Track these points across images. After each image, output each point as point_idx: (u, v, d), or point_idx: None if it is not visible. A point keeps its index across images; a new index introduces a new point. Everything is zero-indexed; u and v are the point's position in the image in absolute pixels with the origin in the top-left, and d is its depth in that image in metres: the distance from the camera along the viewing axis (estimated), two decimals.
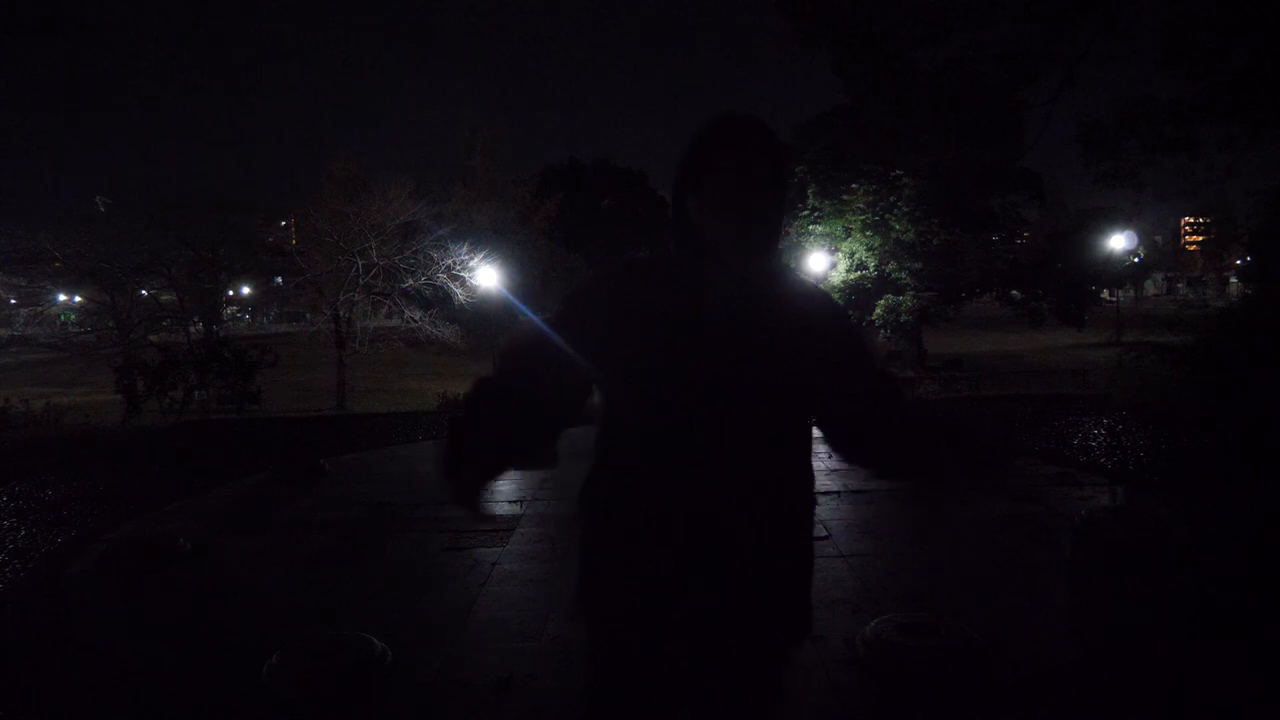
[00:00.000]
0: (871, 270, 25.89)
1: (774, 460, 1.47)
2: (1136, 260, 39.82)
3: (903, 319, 25.83)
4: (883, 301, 25.67)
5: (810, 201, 26.23)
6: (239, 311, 51.19)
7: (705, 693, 1.49)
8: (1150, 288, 73.10)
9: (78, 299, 27.82)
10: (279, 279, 40.59)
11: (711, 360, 1.41)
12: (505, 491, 6.13)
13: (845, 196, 25.03)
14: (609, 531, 1.50)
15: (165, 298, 28.08)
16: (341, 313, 25.21)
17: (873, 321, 26.55)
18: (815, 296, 1.58)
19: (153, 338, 25.41)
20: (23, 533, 5.64)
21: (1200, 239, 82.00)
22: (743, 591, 1.44)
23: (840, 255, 26.38)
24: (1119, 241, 31.47)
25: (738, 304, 1.45)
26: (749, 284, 1.47)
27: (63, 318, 32.43)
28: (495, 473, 1.59)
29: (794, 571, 1.51)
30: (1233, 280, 51.19)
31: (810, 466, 1.56)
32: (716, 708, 1.50)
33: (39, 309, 27.27)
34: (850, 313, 1.66)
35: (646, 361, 1.44)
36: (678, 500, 1.42)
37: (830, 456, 7.28)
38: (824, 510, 5.50)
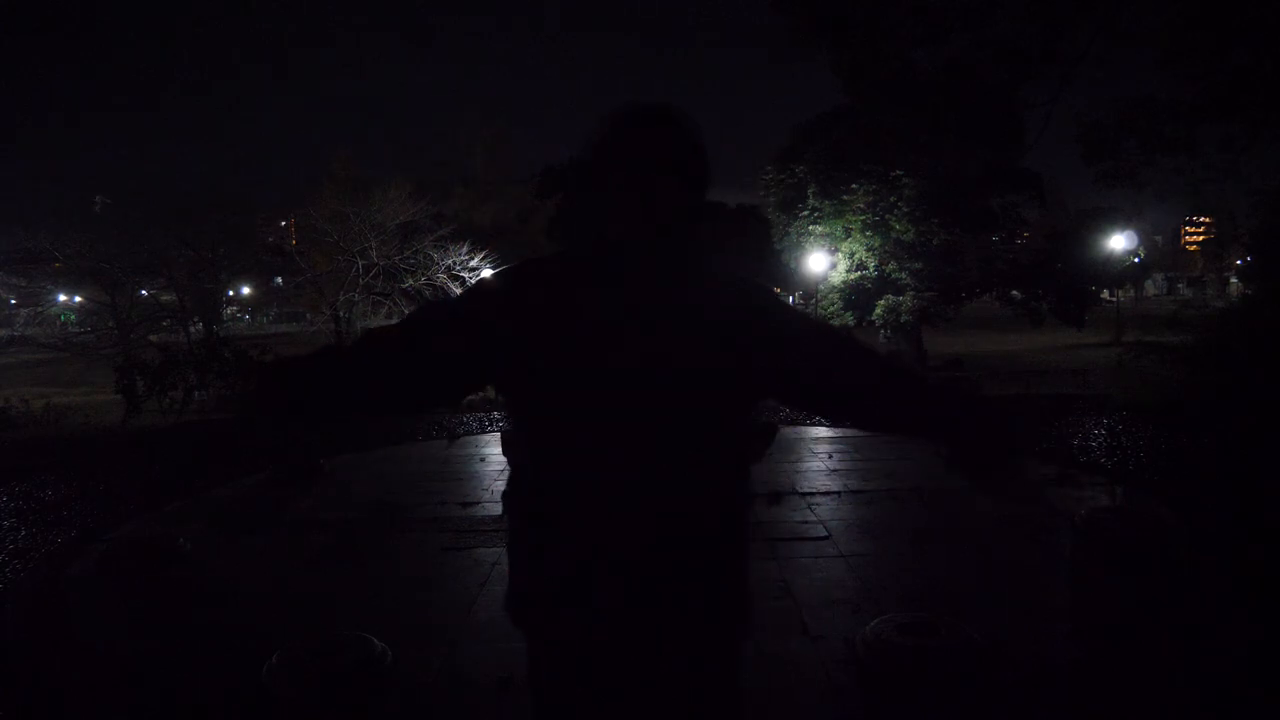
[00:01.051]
0: (871, 270, 25.87)
1: (697, 458, 1.42)
2: (1136, 260, 39.78)
3: (903, 319, 25.81)
4: (883, 301, 25.65)
5: (810, 201, 26.20)
6: (239, 311, 51.14)
7: (654, 694, 1.46)
8: (1150, 288, 73.03)
9: (78, 299, 27.80)
10: (279, 279, 40.57)
11: (625, 359, 1.37)
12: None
13: (845, 196, 25.00)
14: (538, 537, 1.47)
15: (165, 298, 28.05)
16: (341, 313, 25.19)
17: (873, 321, 26.53)
18: (732, 290, 1.51)
19: (153, 338, 25.39)
20: (23, 533, 5.64)
21: (1200, 238, 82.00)
22: (676, 590, 1.41)
23: (840, 255, 26.37)
24: (1119, 241, 31.45)
25: (645, 301, 1.41)
26: (657, 279, 1.43)
27: (63, 318, 32.41)
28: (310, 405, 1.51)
29: (727, 567, 1.48)
30: (1233, 280, 51.15)
31: (740, 461, 1.51)
32: (668, 708, 1.47)
33: (39, 309, 27.26)
34: (783, 296, 1.58)
35: (559, 364, 1.39)
36: (606, 501, 1.39)
37: (830, 457, 7.30)
38: (824, 510, 5.50)
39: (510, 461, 1.53)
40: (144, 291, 27.59)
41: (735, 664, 1.55)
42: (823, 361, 1.52)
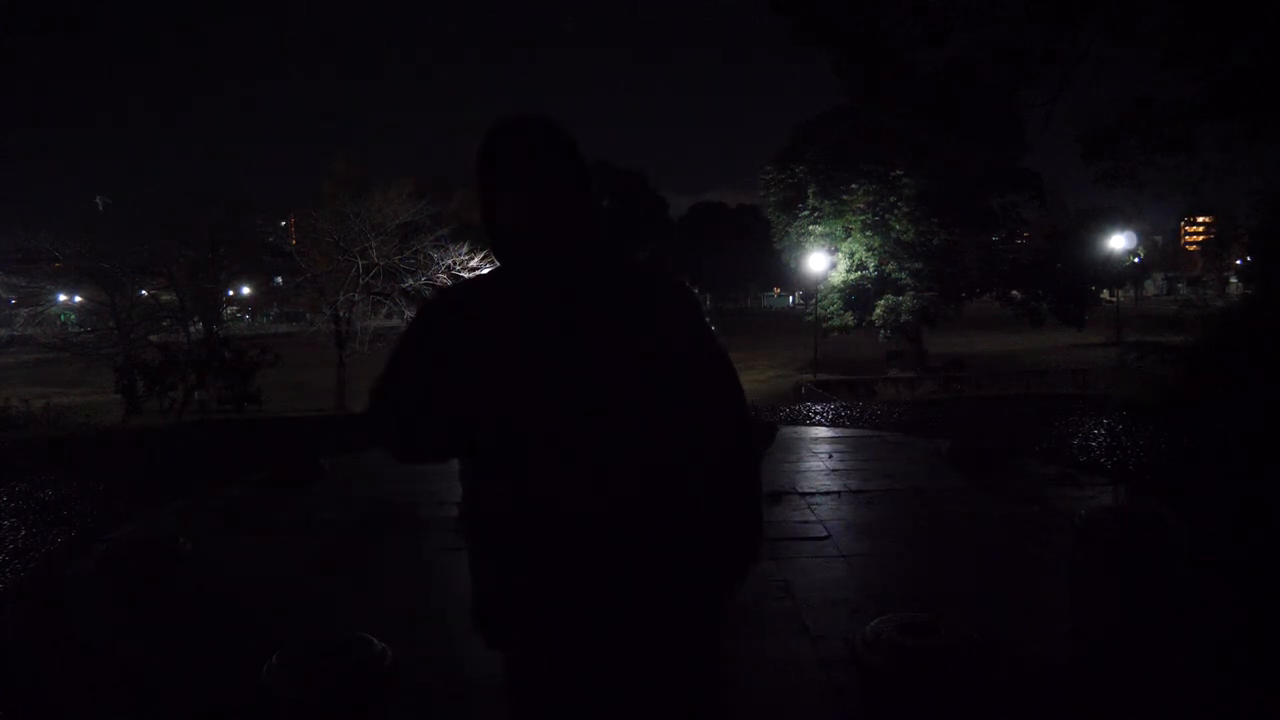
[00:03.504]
0: (871, 270, 25.90)
1: (657, 453, 1.43)
2: (1136, 260, 39.83)
3: (903, 319, 25.84)
4: (883, 301, 25.67)
5: (810, 201, 26.23)
6: (239, 311, 51.13)
7: (632, 693, 1.46)
8: (1150, 288, 73.09)
9: (78, 299, 27.78)
10: (279, 279, 40.58)
11: (559, 364, 1.39)
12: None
13: (845, 196, 25.03)
14: (501, 545, 1.47)
15: (165, 298, 28.04)
16: (341, 313, 25.20)
17: (873, 321, 26.54)
18: (651, 280, 1.53)
19: (153, 338, 25.39)
20: (23, 533, 5.64)
21: (1200, 238, 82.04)
22: (648, 588, 1.42)
23: (840, 255, 26.39)
24: (1119, 241, 31.49)
25: (564, 304, 1.43)
26: (573, 281, 1.45)
27: (63, 318, 32.40)
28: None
29: (697, 561, 1.48)
30: (1233, 280, 51.16)
31: (710, 452, 1.51)
32: (648, 706, 1.47)
33: (39, 309, 27.24)
34: (696, 299, 1.58)
35: (503, 376, 1.40)
36: (569, 506, 1.39)
37: (830, 457, 7.30)
38: (824, 510, 5.50)
39: (463, 483, 1.53)
40: (144, 291, 27.57)
41: (710, 664, 1.55)
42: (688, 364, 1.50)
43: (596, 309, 1.43)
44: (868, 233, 25.33)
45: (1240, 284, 28.90)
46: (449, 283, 23.99)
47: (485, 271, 1.58)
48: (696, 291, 1.66)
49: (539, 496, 1.41)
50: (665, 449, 1.44)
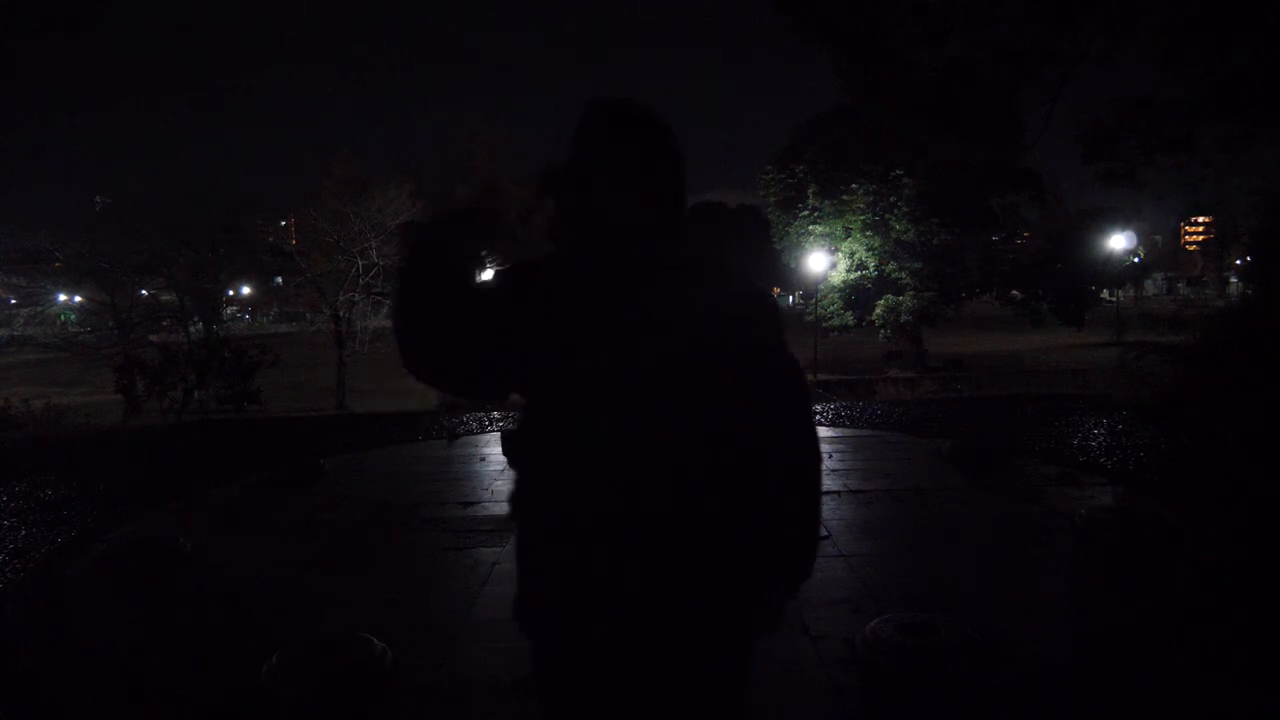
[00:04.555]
0: (871, 270, 25.87)
1: (704, 454, 1.42)
2: (1136, 260, 39.81)
3: (903, 319, 25.81)
4: (883, 301, 25.65)
5: (810, 201, 26.19)
6: (239, 311, 51.14)
7: (656, 694, 1.46)
8: (1150, 288, 73.03)
9: (78, 299, 27.81)
10: (279, 279, 40.61)
11: (625, 357, 1.38)
12: (506, 491, 6.15)
13: (845, 196, 25.00)
14: (547, 540, 1.47)
15: (165, 298, 28.06)
16: (341, 313, 25.21)
17: (873, 321, 26.50)
18: (731, 293, 1.49)
19: (153, 337, 25.40)
20: (23, 533, 5.64)
21: (1200, 238, 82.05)
22: (677, 590, 1.41)
23: (840, 255, 26.35)
24: (1119, 241, 31.48)
25: (643, 294, 1.41)
26: (654, 271, 1.44)
27: (63, 318, 32.40)
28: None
29: (738, 565, 1.47)
30: (1233, 280, 51.16)
31: (752, 455, 1.47)
32: (670, 708, 1.47)
33: (39, 309, 27.27)
34: (774, 316, 1.54)
35: (564, 364, 1.39)
36: (612, 503, 1.39)
37: (830, 457, 7.30)
38: (824, 510, 5.50)
39: (512, 465, 1.53)
40: (144, 291, 27.60)
41: (740, 664, 1.54)
42: (762, 407, 1.45)
43: (661, 305, 1.41)
44: (868, 233, 25.30)
45: (1240, 284, 28.88)
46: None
47: (562, 254, 1.51)
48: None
49: (575, 486, 1.41)
50: (708, 453, 1.42)
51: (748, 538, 1.47)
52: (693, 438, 1.41)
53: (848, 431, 8.75)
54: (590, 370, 1.39)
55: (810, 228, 26.34)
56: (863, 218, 25.00)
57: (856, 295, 26.22)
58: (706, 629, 1.45)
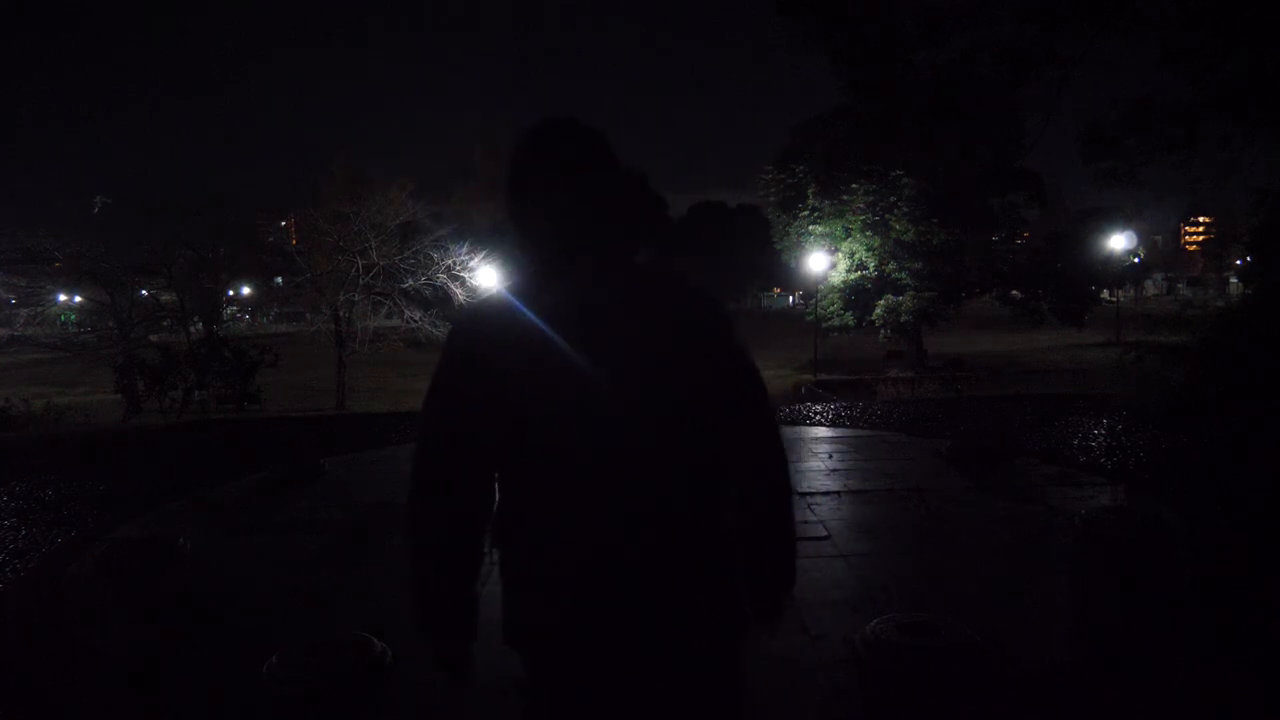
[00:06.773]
0: (871, 270, 25.86)
1: (677, 461, 1.44)
2: (1136, 260, 39.79)
3: (903, 319, 25.80)
4: (883, 301, 25.64)
5: (810, 201, 26.20)
6: (239, 311, 51.12)
7: (659, 702, 1.47)
8: (1150, 288, 73.04)
9: (78, 299, 27.80)
10: (279, 279, 40.57)
11: (586, 376, 1.38)
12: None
13: (845, 196, 25.00)
14: (527, 563, 1.49)
15: (165, 298, 28.05)
16: (341, 313, 25.17)
17: (873, 321, 26.49)
18: (684, 297, 1.50)
19: (153, 337, 25.41)
20: (23, 533, 5.64)
21: (1200, 238, 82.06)
22: (667, 603, 1.43)
23: (840, 255, 26.35)
24: (1119, 241, 31.44)
25: (596, 315, 1.41)
26: (605, 292, 1.43)
27: (63, 318, 32.41)
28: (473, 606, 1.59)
29: (714, 575, 1.49)
30: (1233, 280, 51.15)
31: (720, 473, 1.50)
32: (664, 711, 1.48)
33: (39, 309, 27.24)
34: (727, 320, 1.55)
35: (531, 393, 1.41)
36: (591, 523, 1.40)
37: (830, 457, 7.30)
38: (824, 510, 5.50)
39: (502, 491, 1.55)
40: (144, 291, 27.59)
41: (731, 671, 1.55)
42: (728, 400, 1.49)
43: (619, 318, 1.42)
44: (868, 233, 25.29)
45: (1240, 284, 28.88)
46: (449, 282, 23.98)
47: (503, 287, 1.54)
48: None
49: (556, 503, 1.43)
50: (685, 457, 1.45)
51: (727, 541, 1.50)
52: (665, 445, 1.42)
53: (848, 431, 8.75)
54: (554, 392, 1.39)
55: (810, 228, 26.34)
56: (862, 218, 24.99)
57: (856, 295, 26.21)
58: (698, 638, 1.47)
